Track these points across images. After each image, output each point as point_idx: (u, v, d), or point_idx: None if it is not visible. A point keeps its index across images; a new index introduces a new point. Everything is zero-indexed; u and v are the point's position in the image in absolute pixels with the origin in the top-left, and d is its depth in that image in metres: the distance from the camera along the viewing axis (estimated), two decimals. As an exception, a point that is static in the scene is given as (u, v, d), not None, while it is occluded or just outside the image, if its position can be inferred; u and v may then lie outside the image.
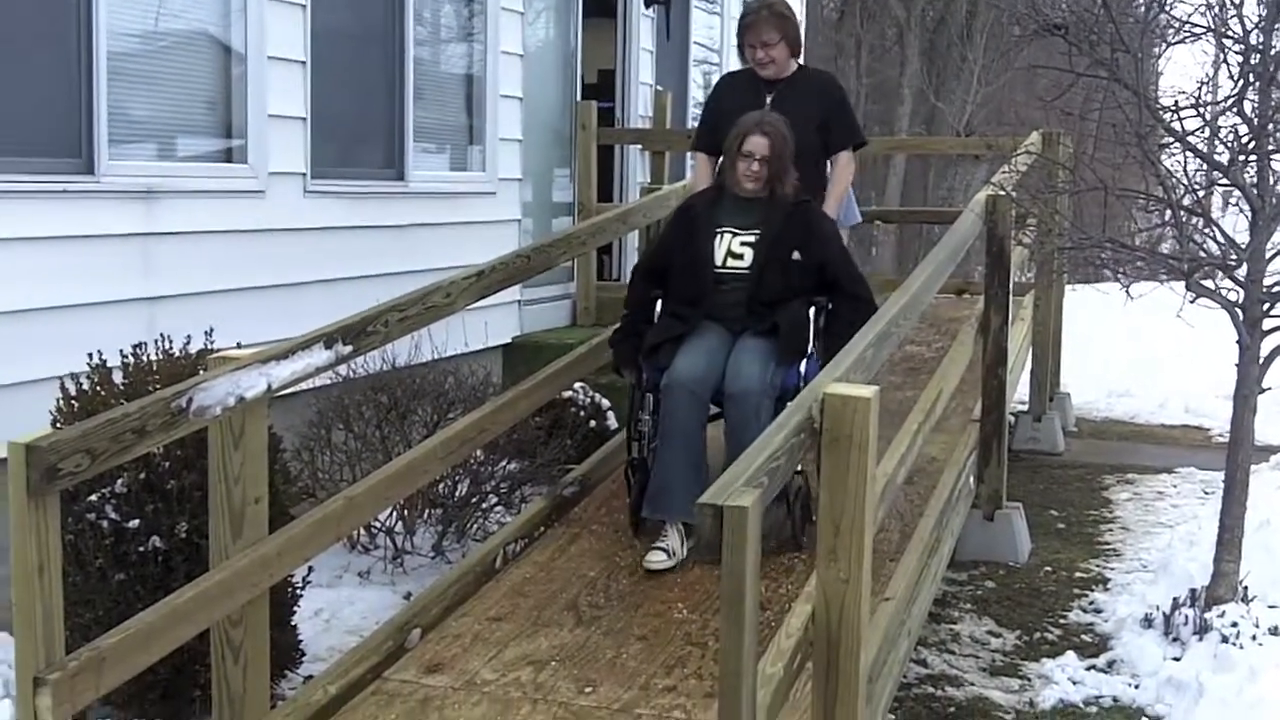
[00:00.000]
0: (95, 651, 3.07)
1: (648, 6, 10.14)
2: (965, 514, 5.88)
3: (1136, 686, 4.74)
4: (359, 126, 6.98)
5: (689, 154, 7.36)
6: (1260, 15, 4.87)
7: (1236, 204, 5.15)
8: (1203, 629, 4.83)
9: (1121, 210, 5.56)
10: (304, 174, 6.28)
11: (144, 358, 4.31)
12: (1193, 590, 5.09)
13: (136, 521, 4.02)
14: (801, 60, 5.62)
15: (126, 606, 3.82)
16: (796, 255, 4.92)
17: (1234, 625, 4.77)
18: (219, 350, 3.94)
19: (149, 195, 5.39)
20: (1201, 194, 5.24)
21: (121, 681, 3.23)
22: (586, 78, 9.67)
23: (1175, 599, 5.07)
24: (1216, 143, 5.11)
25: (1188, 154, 5.04)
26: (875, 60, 25.23)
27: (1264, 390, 5.12)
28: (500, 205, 8.01)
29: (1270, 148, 4.94)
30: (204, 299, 5.56)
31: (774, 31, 5.36)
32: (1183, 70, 5.83)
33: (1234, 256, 4.96)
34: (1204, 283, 5.04)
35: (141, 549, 4.02)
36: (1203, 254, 5.02)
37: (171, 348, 4.37)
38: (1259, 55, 4.86)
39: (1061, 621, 5.50)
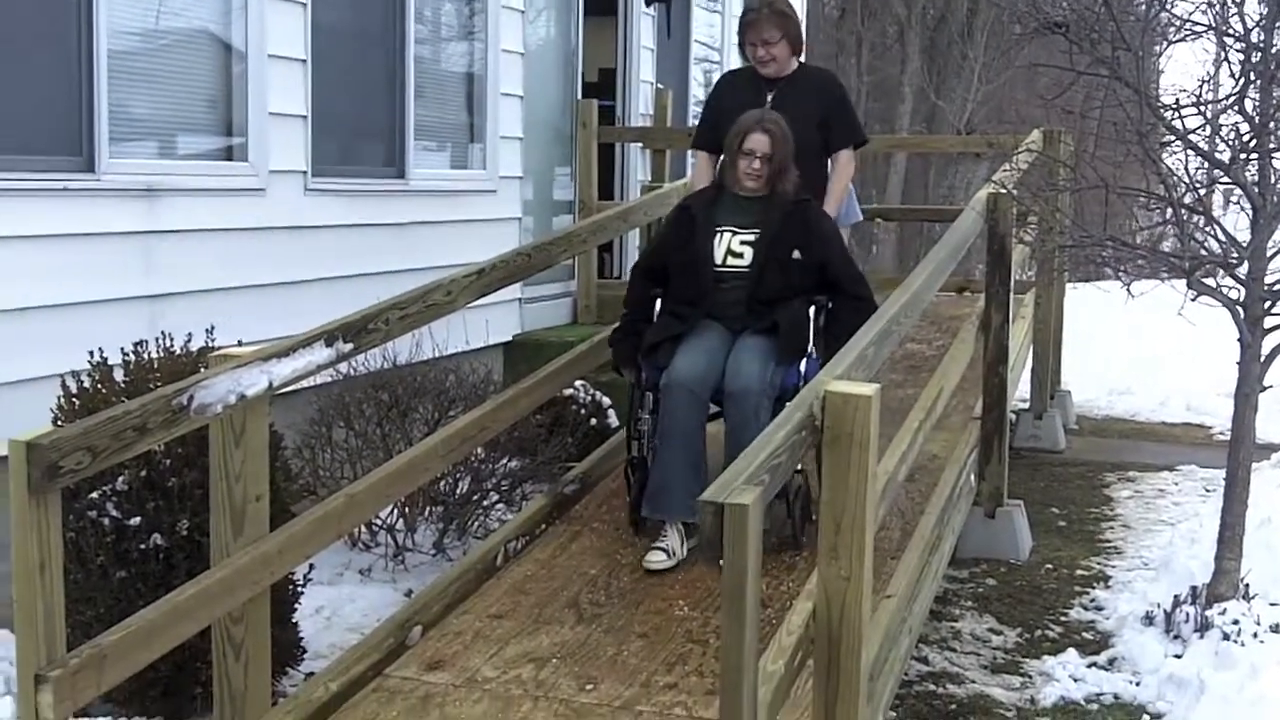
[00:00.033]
0: (96, 649, 3.07)
1: (648, 4, 10.14)
2: (966, 511, 5.88)
3: (1138, 684, 4.74)
4: (360, 124, 6.98)
5: (689, 152, 7.36)
6: (1261, 13, 4.87)
7: (1238, 202, 5.15)
8: (1204, 626, 4.83)
9: (1123, 208, 5.56)
10: (305, 172, 6.28)
11: (145, 355, 4.31)
12: (1194, 588, 5.09)
13: (138, 519, 4.03)
14: (802, 58, 5.62)
15: (128, 604, 3.82)
16: (796, 254, 4.90)
17: (1235, 623, 4.77)
18: (220, 348, 3.95)
19: (150, 193, 5.39)
20: (1203, 192, 5.24)
21: (123, 679, 3.23)
22: (587, 76, 9.67)
23: (1176, 596, 5.07)
24: (1218, 141, 5.11)
25: (1189, 152, 5.04)
26: (876, 58, 25.23)
27: (1265, 388, 5.12)
28: (501, 203, 8.01)
29: (1271, 146, 4.94)
30: (205, 297, 5.56)
31: (775, 29, 5.36)
32: (1184, 68, 5.82)
33: (1235, 254, 4.96)
34: (1205, 281, 5.04)
35: (143, 546, 4.02)
36: (1204, 252, 5.02)
37: (172, 345, 4.37)
38: (1260, 53, 4.86)
39: (1063, 619, 5.50)
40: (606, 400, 6.92)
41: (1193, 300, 5.04)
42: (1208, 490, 7.42)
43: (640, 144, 9.89)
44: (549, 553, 4.96)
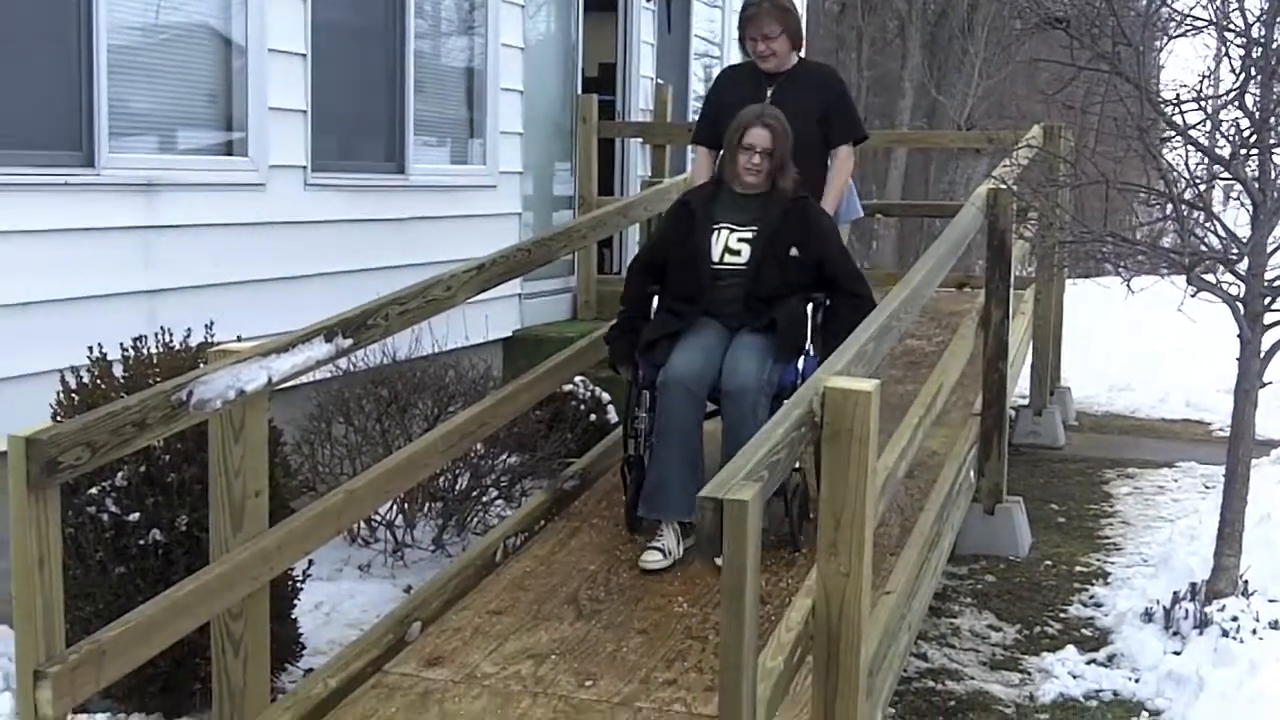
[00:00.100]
0: (95, 645, 3.07)
1: (649, 0, 10.13)
2: (966, 508, 5.88)
3: (1137, 680, 4.74)
4: (360, 120, 6.98)
5: (690, 147, 7.35)
6: (1262, 9, 4.86)
7: (1238, 198, 5.15)
8: (1203, 623, 4.83)
9: (1123, 204, 5.56)
10: (304, 167, 6.27)
11: (144, 351, 4.31)
12: (1193, 584, 5.09)
13: (137, 515, 4.03)
14: (803, 53, 5.61)
15: (127, 600, 3.83)
16: (794, 251, 4.88)
17: (1234, 619, 4.77)
18: (219, 343, 3.94)
19: (149, 188, 5.39)
20: (1203, 188, 5.23)
21: (122, 674, 3.23)
22: (587, 71, 9.66)
23: (1175, 593, 5.07)
24: (1218, 136, 5.10)
25: (1189, 148, 5.03)
26: (876, 53, 25.21)
27: (1265, 384, 5.12)
28: (501, 198, 8.00)
29: (1271, 141, 4.93)
30: (204, 292, 5.55)
31: (775, 24, 5.35)
32: (1184, 64, 5.81)
33: (1235, 250, 4.96)
34: (1205, 277, 5.04)
35: (142, 542, 4.02)
36: (1204, 248, 5.02)
37: (172, 341, 4.37)
38: (1260, 49, 4.85)
39: (1062, 615, 5.50)
40: (606, 396, 6.92)
41: (1192, 296, 5.03)
42: (1207, 487, 7.42)
43: (640, 139, 9.89)
44: (548, 549, 4.96)
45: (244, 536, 3.62)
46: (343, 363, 5.42)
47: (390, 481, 4.37)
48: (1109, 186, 5.01)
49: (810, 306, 4.88)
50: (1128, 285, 5.32)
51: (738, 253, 4.91)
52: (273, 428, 4.11)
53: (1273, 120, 4.90)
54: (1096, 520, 6.97)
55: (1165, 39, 5.82)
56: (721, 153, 5.17)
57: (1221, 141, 5.07)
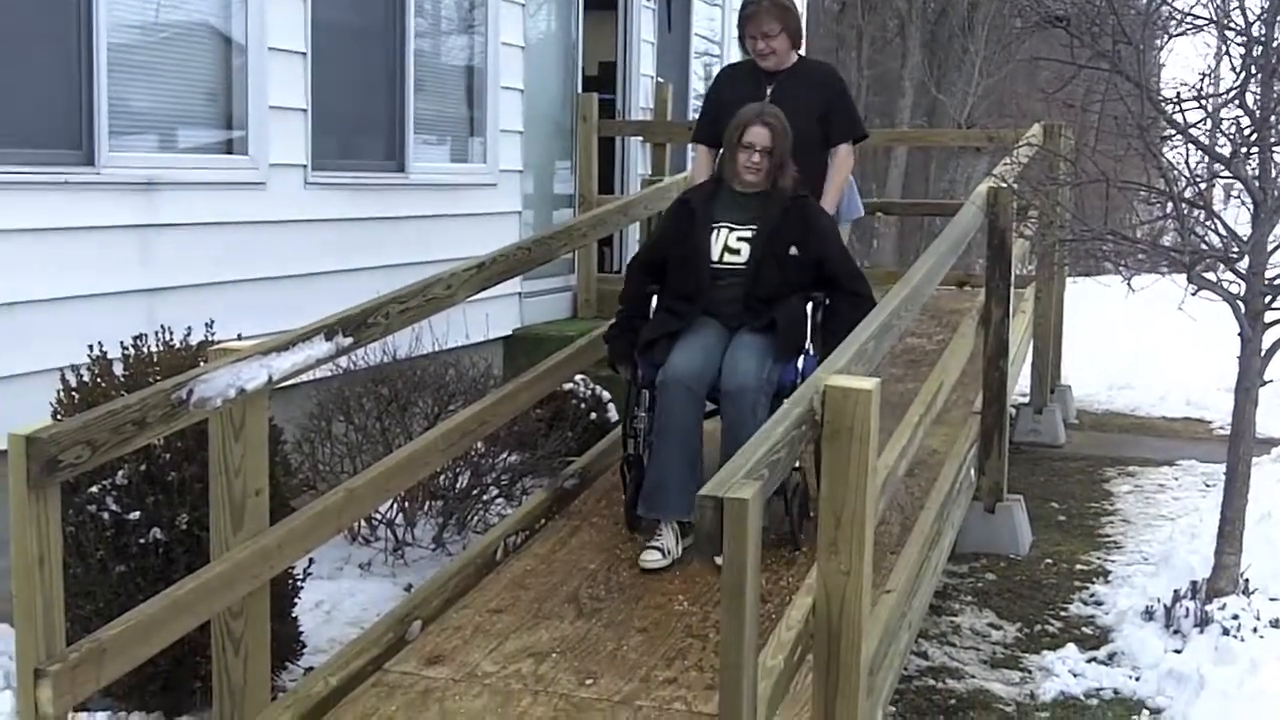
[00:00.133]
0: (96, 643, 3.07)
1: (649, -2, 10.14)
2: (966, 506, 5.88)
3: (1137, 679, 4.74)
4: (360, 118, 6.97)
5: (690, 146, 7.35)
6: (1262, 7, 4.86)
7: (1238, 196, 5.15)
8: (1203, 621, 4.83)
9: (1123, 202, 5.56)
10: (305, 165, 6.27)
11: (144, 349, 4.31)
12: (1194, 583, 5.09)
13: (137, 513, 4.03)
14: (802, 51, 5.61)
15: (127, 598, 3.83)
16: (794, 250, 4.86)
17: (1235, 618, 4.77)
18: (219, 342, 3.94)
19: (149, 187, 5.39)
20: (1203, 186, 5.23)
21: (122, 673, 3.23)
22: (587, 70, 9.66)
23: (1176, 591, 5.07)
24: (1218, 135, 5.10)
25: (1189, 146, 5.03)
26: (876, 52, 25.19)
27: (1265, 383, 5.12)
28: (501, 197, 8.00)
29: (1272, 140, 4.93)
30: (204, 290, 5.55)
31: (775, 22, 5.34)
32: (1185, 62, 5.81)
33: (1235, 249, 4.96)
34: (1205, 275, 5.04)
35: (142, 541, 4.02)
36: (1204, 246, 5.02)
37: (172, 339, 4.37)
38: (1261, 47, 4.85)
39: (1062, 614, 5.50)
40: (606, 395, 6.92)
41: (1193, 295, 5.03)
42: (1208, 485, 7.43)
43: (640, 138, 9.89)
44: (548, 547, 4.96)
45: (244, 535, 3.62)
46: (343, 361, 5.43)
47: (391, 480, 4.37)
48: (1109, 185, 5.01)
49: (810, 306, 4.88)
50: (1128, 284, 5.31)
51: (737, 252, 4.90)
52: (273, 426, 4.10)
53: (1273, 119, 4.90)
54: (1097, 518, 6.97)
55: (1165, 37, 5.82)
56: (721, 151, 5.17)
57: (1222, 140, 5.07)
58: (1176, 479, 7.80)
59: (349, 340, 4.08)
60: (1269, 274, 4.95)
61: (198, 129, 5.88)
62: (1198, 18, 5.12)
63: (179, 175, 5.56)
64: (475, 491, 5.86)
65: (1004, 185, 5.86)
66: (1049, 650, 5.05)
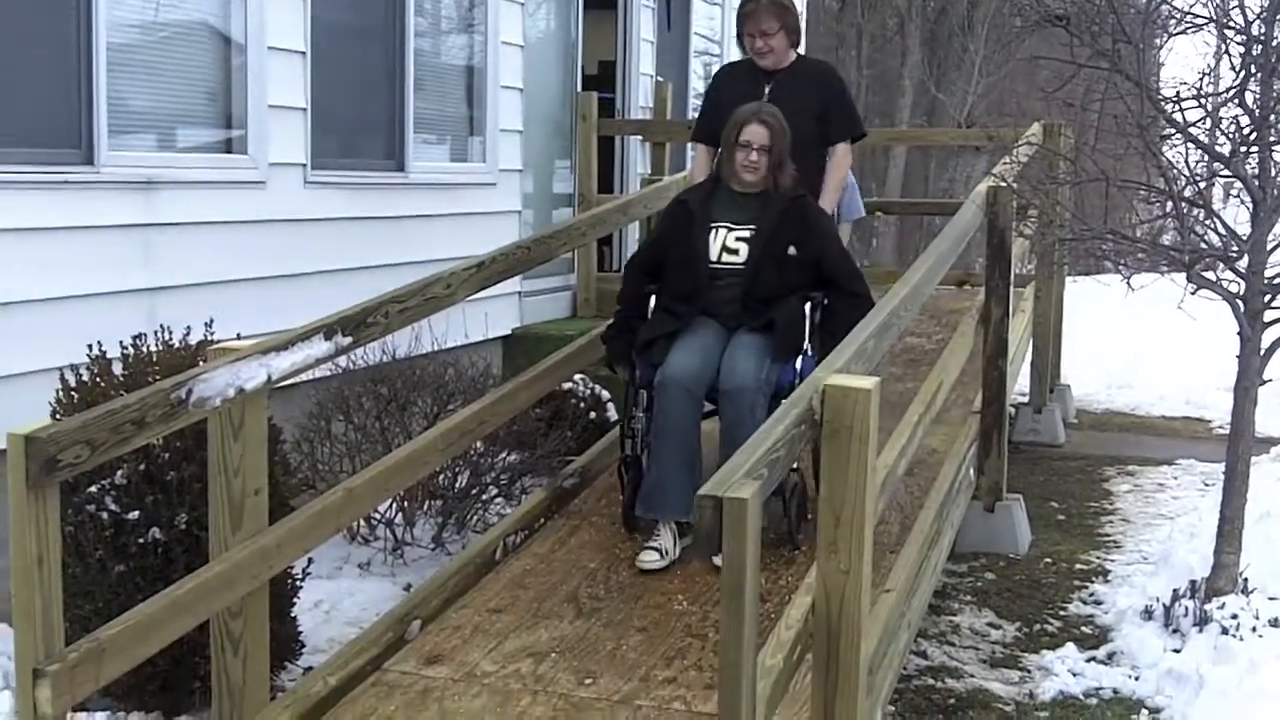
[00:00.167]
0: (95, 643, 3.07)
1: (648, -2, 10.14)
2: (965, 506, 5.88)
3: (1136, 678, 4.74)
4: (359, 117, 6.97)
5: (689, 145, 7.35)
6: (1262, 6, 4.86)
7: (1238, 195, 5.14)
8: (1203, 621, 4.83)
9: (1123, 201, 5.56)
10: (304, 165, 6.27)
11: (144, 349, 4.31)
12: (1193, 582, 5.09)
13: (136, 513, 4.02)
14: (802, 50, 5.60)
15: (126, 598, 3.82)
16: (792, 251, 4.84)
17: (1234, 617, 4.77)
18: (219, 341, 3.94)
19: (149, 186, 5.39)
20: (1203, 185, 5.23)
21: (121, 673, 3.23)
22: (587, 69, 9.66)
23: (1175, 591, 5.07)
24: (1218, 134, 5.10)
25: (1189, 145, 5.03)
26: (876, 51, 25.19)
27: (1265, 382, 5.12)
28: (500, 196, 8.00)
29: (1271, 139, 4.93)
30: (204, 290, 5.55)
31: (773, 20, 5.32)
32: (1184, 61, 5.81)
33: (1235, 248, 4.95)
34: (1205, 274, 5.04)
35: (141, 540, 4.02)
36: (1204, 245, 5.02)
37: (171, 339, 4.37)
38: (1260, 46, 4.85)
39: (1061, 613, 5.50)
40: (606, 394, 6.92)
41: (1192, 294, 5.03)
42: (1207, 484, 7.43)
43: (640, 137, 9.89)
44: (548, 547, 4.96)
45: (243, 535, 3.62)
46: (342, 361, 5.43)
47: (390, 479, 4.37)
48: (1109, 184, 5.01)
49: (809, 306, 4.86)
50: (1128, 283, 5.31)
51: (736, 252, 4.88)
52: (272, 426, 4.10)
53: (1273, 118, 4.90)
54: (1096, 518, 6.97)
55: (1165, 36, 5.82)
56: (719, 151, 5.16)
57: (1221, 139, 5.07)
58: (1176, 478, 7.80)
59: (348, 340, 4.08)
60: (1268, 273, 4.94)
61: (197, 128, 5.88)
62: (1197, 16, 5.12)
63: (178, 174, 5.56)
64: (474, 491, 5.85)
65: (1003, 184, 5.86)
66: (1048, 650, 5.05)
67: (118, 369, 4.25)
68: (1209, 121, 5.10)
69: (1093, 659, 4.95)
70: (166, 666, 3.94)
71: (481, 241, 6.69)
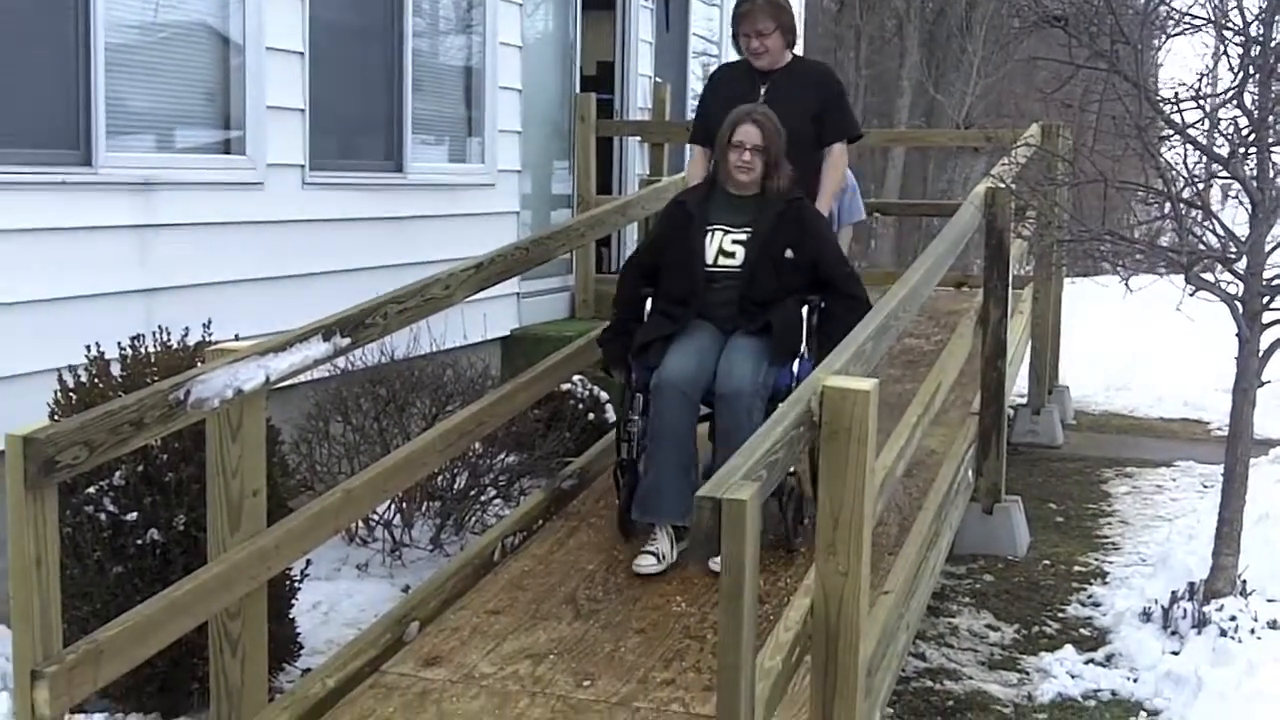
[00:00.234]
0: (93, 644, 3.07)
1: (647, -2, 10.14)
2: (964, 507, 5.88)
3: (1135, 680, 4.74)
4: (358, 118, 6.97)
5: (687, 146, 7.34)
6: (1260, 7, 4.86)
7: (1236, 196, 5.14)
8: (1201, 623, 4.83)
9: (1121, 203, 5.56)
10: (302, 166, 6.27)
11: (142, 350, 4.31)
12: (1191, 584, 5.09)
13: (134, 514, 4.02)
14: (798, 50, 5.59)
15: (124, 599, 3.82)
16: (789, 253, 4.82)
17: (1232, 619, 4.77)
18: (217, 342, 3.94)
19: (147, 187, 5.38)
20: (1201, 186, 5.23)
21: (119, 674, 3.23)
22: (585, 69, 9.66)
23: (1174, 593, 5.07)
24: (1216, 135, 5.10)
25: (1187, 146, 5.03)
26: (874, 52, 25.21)
27: (1263, 383, 5.12)
28: (499, 197, 8.00)
29: (1270, 140, 4.93)
30: (202, 291, 5.55)
31: (769, 20, 5.31)
32: (1183, 62, 5.81)
33: (1233, 249, 4.96)
34: (1203, 275, 5.03)
35: (139, 542, 4.02)
36: (1202, 247, 5.02)
37: (169, 340, 4.36)
38: (1259, 47, 4.85)
39: (1060, 615, 5.50)
40: (604, 395, 6.92)
41: (1191, 295, 5.03)
42: (1205, 486, 7.43)
43: (638, 138, 9.89)
44: (546, 548, 4.96)
45: (242, 536, 3.61)
46: (341, 362, 5.43)
47: (388, 481, 4.37)
48: (1107, 185, 5.01)
49: (805, 309, 4.84)
50: (1126, 284, 5.31)
51: (732, 254, 4.85)
52: (270, 427, 4.10)
53: (1271, 119, 4.90)
54: (1095, 519, 6.97)
55: (1164, 37, 5.82)
56: (714, 154, 5.14)
57: (1220, 140, 5.07)
58: (1174, 480, 7.80)
59: (347, 341, 4.08)
60: (1267, 274, 4.94)
61: (195, 129, 5.88)
62: (1195, 18, 5.12)
63: (177, 175, 5.56)
64: (473, 492, 5.85)
65: (1002, 185, 5.86)
66: (1047, 651, 5.05)
67: (116, 370, 4.25)
68: (1207, 123, 5.11)
69: (1091, 661, 4.95)
70: (165, 668, 3.94)
71: (480, 242, 6.69)
